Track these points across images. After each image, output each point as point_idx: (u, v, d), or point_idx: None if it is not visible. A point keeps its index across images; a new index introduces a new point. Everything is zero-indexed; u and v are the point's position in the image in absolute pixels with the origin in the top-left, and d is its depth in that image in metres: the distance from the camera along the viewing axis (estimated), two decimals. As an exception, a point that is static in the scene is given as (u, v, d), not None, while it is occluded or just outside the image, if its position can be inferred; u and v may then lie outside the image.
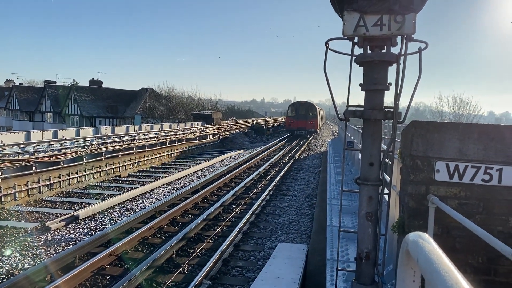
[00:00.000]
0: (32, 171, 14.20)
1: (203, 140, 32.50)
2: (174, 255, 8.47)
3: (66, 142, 17.73)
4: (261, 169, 19.95)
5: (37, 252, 8.83)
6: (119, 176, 18.98)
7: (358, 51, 3.82)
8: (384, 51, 3.68)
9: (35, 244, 9.28)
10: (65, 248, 9.00)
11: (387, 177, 4.01)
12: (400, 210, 4.18)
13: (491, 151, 3.55)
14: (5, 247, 8.98)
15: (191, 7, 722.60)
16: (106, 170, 18.48)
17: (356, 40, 3.74)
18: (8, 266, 8.04)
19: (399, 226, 3.92)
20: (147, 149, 22.90)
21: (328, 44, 3.87)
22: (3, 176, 13.01)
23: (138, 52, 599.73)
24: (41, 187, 14.26)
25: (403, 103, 3.90)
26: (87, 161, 17.37)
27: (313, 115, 47.54)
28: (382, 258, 3.97)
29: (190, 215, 11.78)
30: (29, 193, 13.72)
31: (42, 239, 9.58)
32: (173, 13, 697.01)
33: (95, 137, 20.94)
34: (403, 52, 3.61)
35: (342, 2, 3.65)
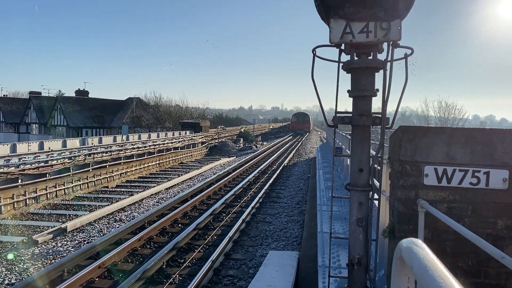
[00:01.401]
0: (18, 184, 13.98)
1: (191, 149, 32.36)
2: (164, 266, 8.38)
3: (52, 154, 17.52)
4: (250, 176, 19.92)
5: (24, 266, 8.66)
6: (107, 187, 18.77)
7: (345, 58, 3.85)
8: (370, 57, 3.72)
9: (22, 258, 9.10)
10: (53, 261, 8.85)
11: (376, 183, 4.03)
12: (390, 215, 4.19)
13: (478, 154, 3.59)
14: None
15: (177, 16, 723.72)
16: (94, 181, 18.27)
17: (343, 47, 3.77)
18: (-6, 281, 7.87)
19: (390, 231, 3.94)
20: (135, 159, 22.72)
21: (315, 52, 3.89)
22: (-12, 189, 12.78)
23: (124, 61, 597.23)
24: (27, 199, 14.03)
25: (390, 108, 3.94)
26: (74, 172, 17.17)
27: (307, 121, 77.72)
28: (374, 263, 3.98)
29: (180, 225, 11.68)
30: (15, 206, 13.48)
31: (29, 253, 9.41)
32: (159, 23, 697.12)
33: (82, 148, 20.73)
34: (389, 58, 3.64)
35: (328, 9, 3.68)
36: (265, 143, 49.50)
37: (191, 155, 31.72)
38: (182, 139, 31.74)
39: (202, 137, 36.64)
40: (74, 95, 57.95)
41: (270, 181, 18.80)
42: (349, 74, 3.84)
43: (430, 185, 3.66)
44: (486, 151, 3.58)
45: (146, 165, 23.65)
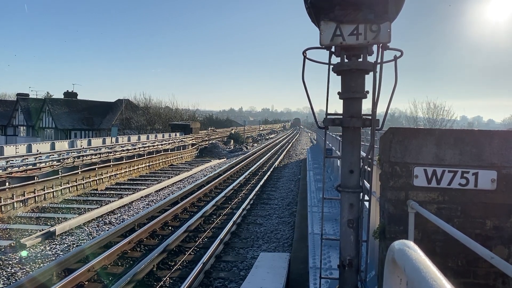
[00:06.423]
0: (5, 187, 13.79)
1: (181, 151, 32.24)
2: (154, 269, 8.33)
3: (40, 156, 17.32)
4: (241, 178, 19.90)
5: (12, 270, 8.55)
6: (97, 189, 18.61)
7: (335, 60, 3.86)
8: (360, 59, 3.73)
9: (10, 262, 8.98)
10: (42, 265, 8.75)
11: (367, 184, 4.05)
12: (380, 216, 4.22)
13: (466, 155, 3.63)
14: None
15: (166, 19, 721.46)
16: (83, 184, 18.10)
17: (333, 49, 3.79)
18: (-19, 286, 7.75)
19: (380, 232, 3.96)
20: (124, 161, 22.56)
21: (306, 54, 3.90)
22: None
23: (113, 63, 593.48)
24: (15, 203, 13.85)
25: (380, 109, 3.96)
26: (63, 175, 16.99)
27: (299, 122, 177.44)
28: (364, 264, 3.99)
29: (170, 227, 11.62)
30: (3, 210, 13.30)
31: (17, 257, 9.29)
32: (148, 25, 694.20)
33: (70, 150, 20.52)
34: (379, 61, 3.67)
35: (318, 12, 3.69)
36: (255, 144, 49.53)
37: (181, 157, 31.60)
38: (172, 141, 31.60)
39: (192, 139, 36.52)
40: (62, 97, 57.23)
41: (261, 183, 18.80)
42: (340, 76, 3.86)
43: (420, 186, 3.69)
44: (474, 152, 3.62)
45: (136, 167, 23.50)
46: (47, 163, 16.83)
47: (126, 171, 22.28)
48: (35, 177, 15.37)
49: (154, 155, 26.66)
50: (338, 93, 3.85)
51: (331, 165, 15.24)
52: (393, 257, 1.14)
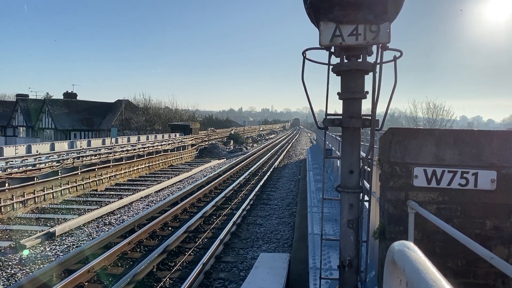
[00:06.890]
0: (5, 188, 13.78)
1: (181, 151, 32.23)
2: (154, 269, 8.33)
3: (40, 157, 17.32)
4: (241, 178, 19.90)
5: (12, 271, 8.54)
6: (96, 190, 18.61)
7: (335, 60, 3.86)
8: (360, 60, 3.74)
9: (10, 263, 8.97)
10: (42, 266, 8.74)
11: (367, 184, 4.05)
12: (380, 216, 4.22)
13: (466, 155, 3.63)
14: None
15: (165, 19, 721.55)
16: (83, 184, 18.10)
17: (332, 49, 3.79)
18: (-19, 287, 7.75)
19: (380, 232, 3.96)
20: (124, 162, 22.56)
21: (305, 54, 3.91)
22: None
23: (113, 64, 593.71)
24: (14, 203, 13.84)
25: (380, 109, 3.96)
26: (62, 175, 16.99)
27: (299, 122, 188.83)
28: (364, 264, 3.99)
29: (170, 228, 11.62)
30: (2, 211, 13.29)
31: (17, 258, 9.28)
32: (147, 25, 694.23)
33: (70, 151, 20.52)
34: (378, 61, 3.67)
35: (318, 12, 3.70)
36: (255, 145, 49.54)
37: (181, 157, 31.59)
38: (172, 142, 31.59)
39: (192, 139, 36.51)
40: (62, 97, 57.25)
41: (261, 183, 18.80)
42: (339, 77, 3.86)
43: (420, 186, 3.69)
44: (474, 152, 3.62)
45: (135, 168, 23.49)
46: (47, 164, 16.81)
47: (126, 172, 22.28)
48: (35, 178, 15.37)
49: (154, 156, 26.65)
50: (338, 93, 3.85)
51: (331, 165, 15.24)
52: (393, 258, 1.14)
